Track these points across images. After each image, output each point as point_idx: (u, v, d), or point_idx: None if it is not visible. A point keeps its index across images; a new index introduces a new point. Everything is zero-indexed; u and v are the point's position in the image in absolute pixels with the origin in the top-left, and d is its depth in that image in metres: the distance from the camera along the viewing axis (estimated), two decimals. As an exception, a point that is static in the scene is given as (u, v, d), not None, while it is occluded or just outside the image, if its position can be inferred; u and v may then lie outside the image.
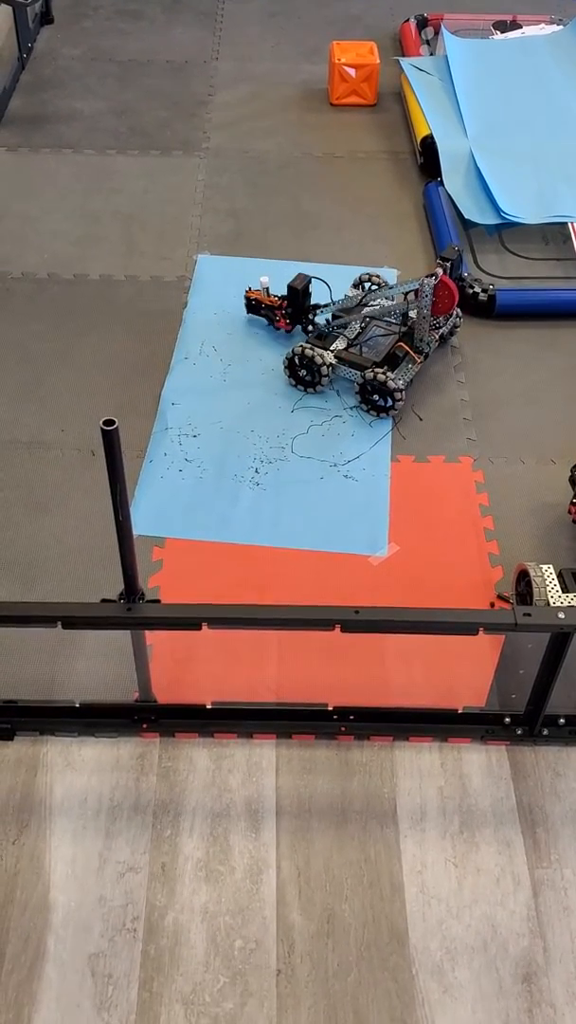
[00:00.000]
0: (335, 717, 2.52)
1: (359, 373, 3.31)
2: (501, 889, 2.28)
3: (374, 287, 3.64)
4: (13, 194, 4.30)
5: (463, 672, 2.66)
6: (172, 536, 2.96)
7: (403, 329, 3.46)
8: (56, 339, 3.62)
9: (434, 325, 3.39)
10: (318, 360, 3.33)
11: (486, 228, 4.08)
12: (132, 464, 2.98)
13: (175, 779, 2.45)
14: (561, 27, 5.12)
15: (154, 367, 3.52)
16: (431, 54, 5.09)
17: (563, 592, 2.59)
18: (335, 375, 3.41)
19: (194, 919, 2.22)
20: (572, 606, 2.54)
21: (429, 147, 4.35)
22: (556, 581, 2.61)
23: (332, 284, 3.52)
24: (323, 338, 3.45)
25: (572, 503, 2.98)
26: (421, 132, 4.43)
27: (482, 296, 3.67)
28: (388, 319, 3.51)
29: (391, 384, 3.24)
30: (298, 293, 3.45)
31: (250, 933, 2.20)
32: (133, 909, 2.23)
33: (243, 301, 3.64)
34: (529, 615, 2.19)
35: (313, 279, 3.47)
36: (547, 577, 2.62)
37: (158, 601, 2.48)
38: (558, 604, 2.56)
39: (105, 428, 1.93)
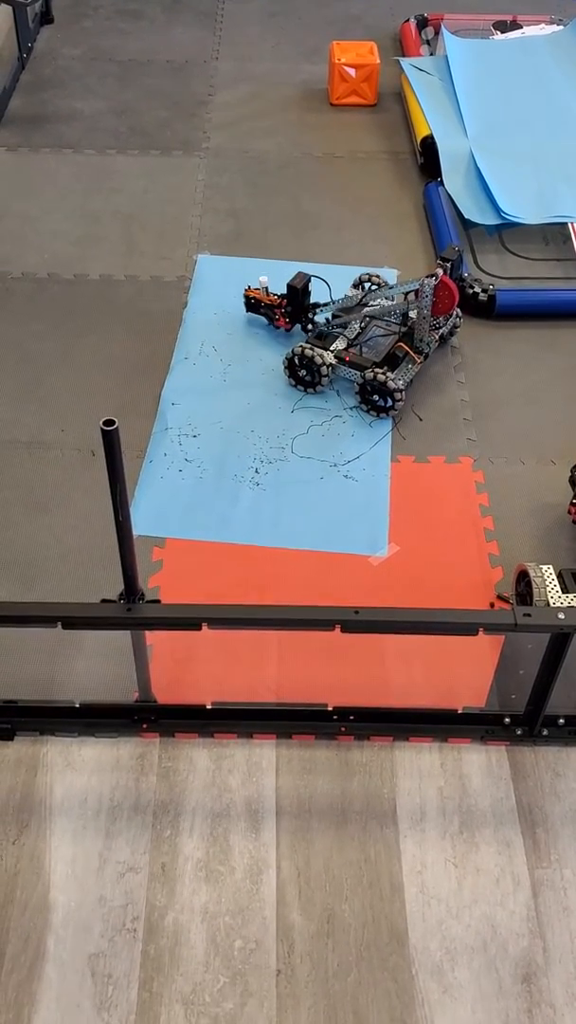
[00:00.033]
0: (335, 717, 2.52)
1: (359, 373, 3.31)
2: (501, 889, 2.29)
3: (374, 287, 3.64)
4: (13, 194, 4.30)
5: (463, 672, 2.66)
6: (172, 536, 2.96)
7: (403, 329, 3.46)
8: (56, 339, 3.62)
9: (434, 325, 3.39)
10: (318, 360, 3.33)
11: (486, 228, 4.08)
12: (132, 464, 2.98)
13: (175, 779, 2.45)
14: (561, 27, 5.12)
15: (154, 367, 3.52)
16: (431, 54, 5.09)
17: (563, 592, 2.59)
18: (335, 375, 3.41)
19: (194, 919, 2.22)
20: (572, 606, 2.54)
21: (429, 147, 4.35)
22: (556, 581, 2.61)
23: (332, 284, 3.52)
24: (323, 338, 3.45)
25: (572, 503, 2.98)
26: (421, 132, 4.43)
27: (482, 296, 3.67)
28: (388, 319, 3.51)
29: (391, 384, 3.24)
30: (297, 292, 3.45)
31: (250, 933, 2.20)
32: (133, 909, 2.23)
33: (242, 300, 3.64)
34: (529, 615, 2.19)
35: (312, 278, 3.47)
36: (547, 577, 2.62)
37: (158, 601, 2.48)
38: (558, 604, 2.56)
39: (105, 428, 1.93)
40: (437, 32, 5.14)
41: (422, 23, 5.29)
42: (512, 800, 2.43)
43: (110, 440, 1.95)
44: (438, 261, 3.37)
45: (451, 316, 3.45)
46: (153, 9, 5.64)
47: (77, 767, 2.46)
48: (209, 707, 2.51)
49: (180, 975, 2.14)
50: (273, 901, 2.25)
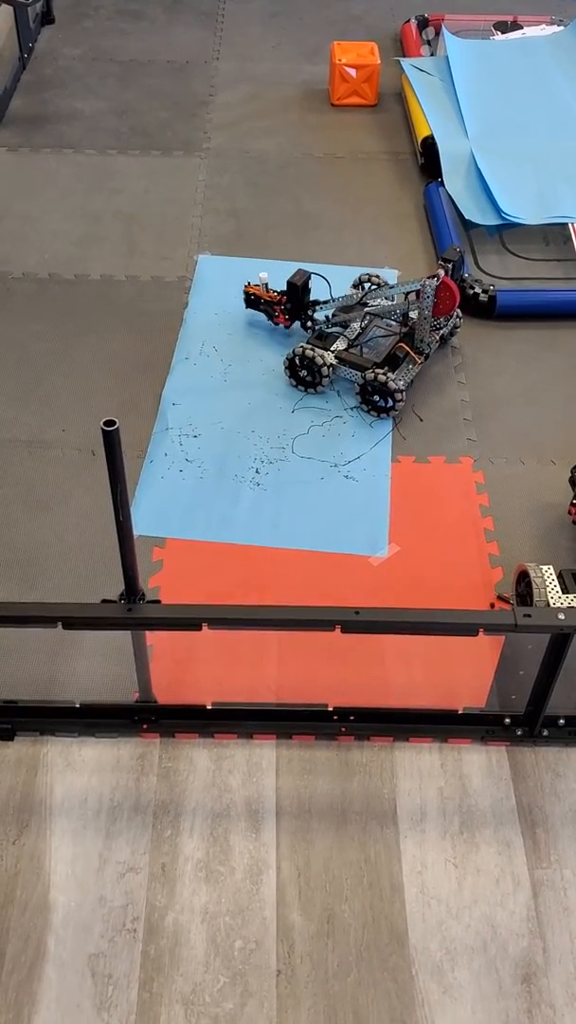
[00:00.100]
0: (335, 718, 2.52)
1: (360, 374, 3.31)
2: (501, 890, 2.29)
3: (374, 287, 3.64)
4: (14, 194, 4.30)
5: (463, 673, 2.66)
6: (172, 536, 2.96)
7: (404, 330, 3.46)
8: (57, 339, 3.62)
9: (435, 326, 3.39)
10: (319, 360, 3.33)
11: (487, 229, 4.08)
12: (132, 464, 2.98)
13: (175, 779, 2.45)
14: (562, 28, 5.12)
15: (155, 367, 3.52)
16: (432, 55, 5.09)
17: (563, 593, 2.59)
18: (336, 375, 3.41)
19: (194, 919, 2.22)
20: (572, 607, 2.54)
21: (430, 148, 4.35)
22: (556, 582, 2.61)
23: (332, 284, 3.52)
24: (323, 338, 3.45)
25: (572, 504, 2.98)
26: (422, 132, 4.43)
27: (483, 297, 3.67)
28: (389, 320, 3.51)
29: (391, 385, 3.24)
30: (297, 289, 3.45)
31: (250, 933, 2.20)
32: (133, 909, 2.23)
33: (243, 300, 3.64)
34: (529, 616, 2.19)
35: (313, 275, 3.46)
36: (547, 578, 2.62)
37: (158, 601, 2.48)
38: (558, 605, 2.56)
39: (106, 428, 1.93)
40: (438, 32, 5.14)
41: (423, 23, 5.29)
42: (512, 800, 2.43)
43: (111, 440, 1.95)
44: (439, 262, 3.37)
45: (452, 316, 3.45)
46: (154, 9, 5.64)
47: (77, 767, 2.46)
48: (209, 707, 2.51)
49: (180, 975, 2.14)
50: (273, 901, 2.25)
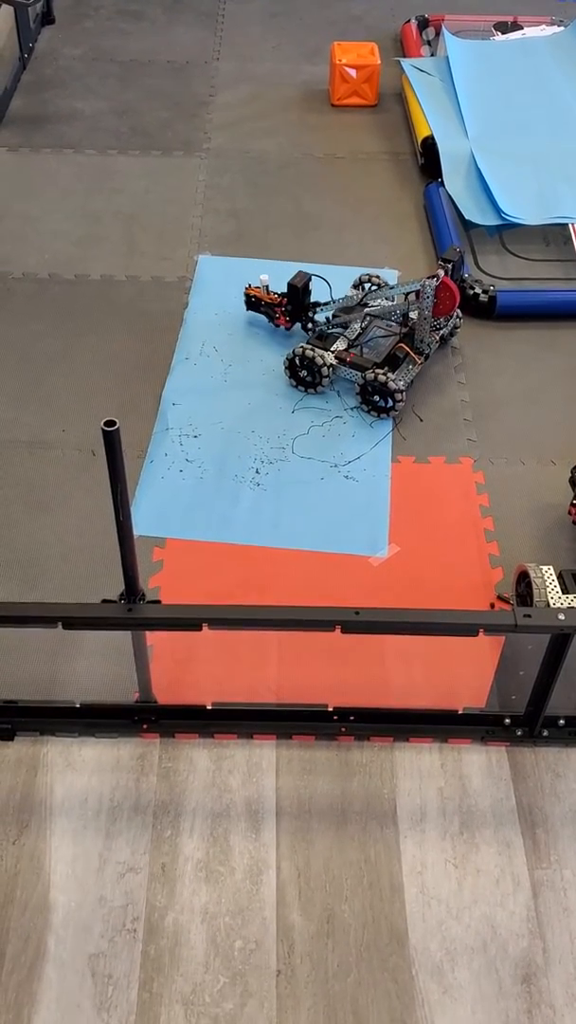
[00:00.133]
0: (335, 718, 2.52)
1: (360, 374, 3.31)
2: (501, 890, 2.29)
3: (374, 288, 3.64)
4: (14, 194, 4.30)
5: (463, 673, 2.66)
6: (172, 536, 2.96)
7: (404, 330, 3.47)
8: (57, 339, 3.62)
9: (435, 326, 3.39)
10: (319, 361, 3.33)
11: (487, 229, 4.08)
12: (133, 464, 2.98)
13: (175, 780, 2.45)
14: (562, 28, 5.12)
15: (155, 367, 3.52)
16: (432, 55, 5.09)
17: (563, 593, 2.59)
18: (336, 376, 3.41)
19: (194, 920, 2.22)
20: (572, 607, 2.54)
21: (430, 148, 4.35)
22: (556, 582, 2.61)
23: (333, 285, 3.52)
24: (324, 339, 3.45)
25: (572, 504, 2.98)
26: (422, 133, 4.44)
27: (483, 297, 3.67)
28: (389, 320, 3.51)
29: (392, 385, 3.24)
30: (298, 291, 3.45)
31: (250, 934, 2.20)
32: (133, 909, 2.23)
33: (243, 300, 3.64)
34: (529, 616, 2.19)
35: (313, 277, 3.47)
36: (547, 578, 2.62)
37: (158, 602, 2.48)
38: (558, 605, 2.56)
39: (106, 429, 1.93)
40: (438, 33, 5.14)
41: (423, 24, 5.30)
42: (512, 801, 2.43)
43: (111, 440, 1.95)
44: (439, 262, 3.37)
45: (452, 317, 3.45)
46: (154, 9, 5.64)
47: (77, 767, 2.46)
48: (209, 707, 2.51)
49: (180, 975, 2.14)
50: (273, 901, 2.25)
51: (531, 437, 3.31)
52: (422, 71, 4.80)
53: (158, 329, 3.67)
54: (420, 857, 2.33)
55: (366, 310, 3.50)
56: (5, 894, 2.25)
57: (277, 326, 3.62)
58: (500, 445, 3.28)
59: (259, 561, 2.91)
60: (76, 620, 2.20)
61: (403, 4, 5.62)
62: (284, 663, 2.66)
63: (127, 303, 3.79)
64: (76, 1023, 2.08)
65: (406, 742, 2.53)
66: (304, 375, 3.39)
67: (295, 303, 3.50)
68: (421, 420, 3.37)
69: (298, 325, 3.58)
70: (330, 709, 2.51)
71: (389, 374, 3.25)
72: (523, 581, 2.70)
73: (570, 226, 4.01)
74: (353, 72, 4.80)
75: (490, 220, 4.05)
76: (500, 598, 2.80)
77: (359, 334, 3.48)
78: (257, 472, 3.16)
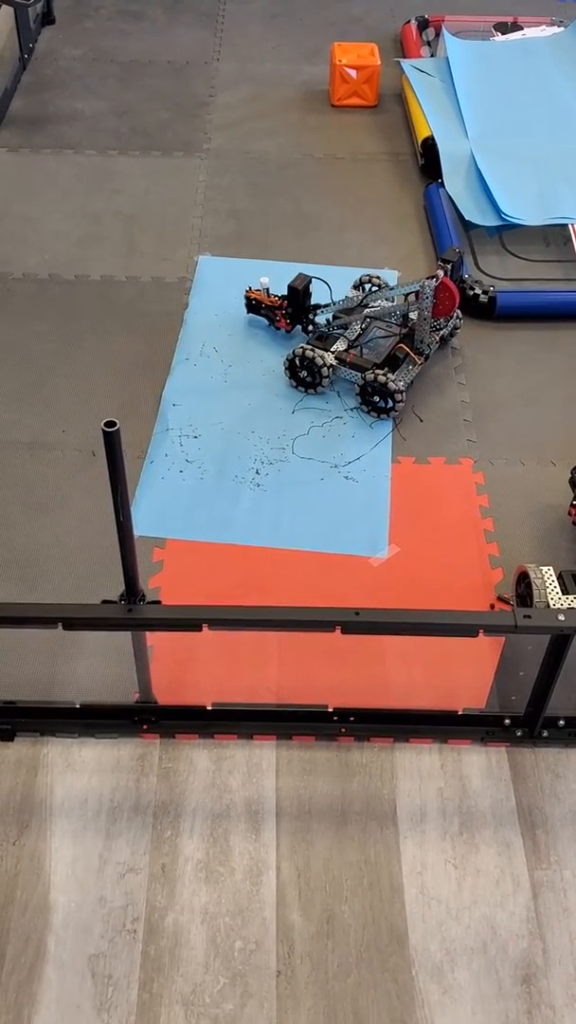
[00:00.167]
0: (335, 718, 2.52)
1: (360, 374, 3.31)
2: (501, 890, 2.29)
3: (374, 288, 3.64)
4: (14, 195, 4.31)
5: (463, 674, 2.66)
6: (173, 537, 2.96)
7: (404, 331, 3.47)
8: (57, 340, 3.62)
9: (435, 327, 3.39)
10: (319, 361, 3.33)
11: (487, 230, 4.08)
12: (133, 465, 2.99)
13: (175, 780, 2.45)
14: (562, 29, 5.12)
15: (155, 368, 3.52)
16: (432, 55, 5.10)
17: (563, 594, 2.60)
18: (336, 376, 3.42)
19: (194, 920, 2.22)
20: (572, 608, 2.54)
21: (430, 148, 4.35)
22: (556, 583, 2.61)
23: (333, 285, 3.52)
24: (324, 339, 3.45)
25: (572, 505, 2.98)
26: (422, 133, 4.44)
27: (483, 298, 3.67)
28: (389, 320, 3.51)
29: (392, 385, 3.24)
30: (298, 293, 3.45)
31: (250, 934, 2.20)
32: (133, 910, 2.23)
33: (243, 301, 3.64)
34: (529, 617, 2.19)
35: (313, 279, 3.47)
36: (547, 579, 2.62)
37: (158, 602, 2.48)
38: (558, 606, 2.56)
39: (106, 429, 1.93)
40: (438, 33, 5.14)
41: (423, 24, 5.30)
42: (512, 801, 2.44)
43: (111, 441, 1.95)
44: (439, 263, 3.37)
45: (452, 317, 3.45)
46: (154, 10, 5.64)
47: (77, 768, 2.46)
48: (209, 708, 2.51)
49: (180, 976, 2.14)
50: (273, 902, 2.25)
51: (531, 438, 3.31)
52: (422, 72, 4.80)
53: (158, 330, 3.67)
54: (420, 858, 2.33)
55: (366, 311, 3.50)
56: (5, 895, 2.25)
57: (277, 329, 3.62)
58: (500, 446, 3.28)
59: (259, 561, 2.91)
60: (76, 621, 2.21)
61: (403, 5, 5.62)
62: (284, 664, 2.66)
63: (127, 304, 3.79)
64: (76, 1023, 2.08)
65: (406, 743, 2.53)
66: (304, 376, 3.40)
67: (295, 306, 3.50)
68: (421, 421, 3.37)
69: (298, 327, 3.58)
70: (330, 710, 2.52)
71: (389, 375, 3.25)
72: (523, 582, 2.70)
73: (570, 227, 4.01)
74: (353, 73, 4.80)
75: (490, 221, 4.05)
76: (500, 599, 2.80)
77: (359, 335, 3.49)
78: (257, 473, 3.16)
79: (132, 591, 2.25)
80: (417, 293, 3.30)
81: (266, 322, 3.64)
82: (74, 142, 4.62)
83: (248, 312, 3.65)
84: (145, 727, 2.52)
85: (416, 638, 2.33)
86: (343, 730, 2.53)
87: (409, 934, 2.21)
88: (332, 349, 3.40)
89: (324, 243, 4.09)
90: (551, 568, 2.66)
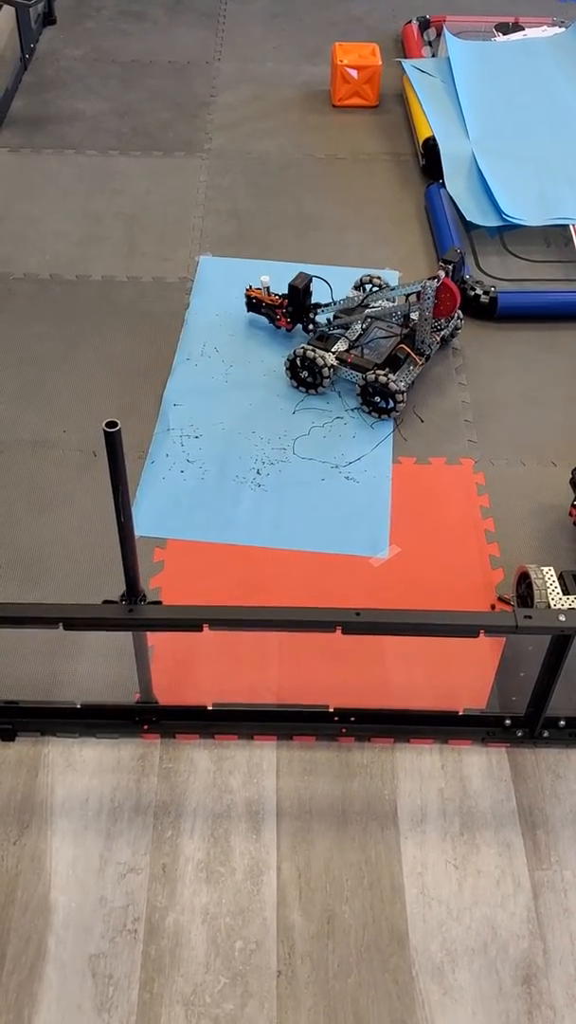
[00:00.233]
0: (336, 719, 2.52)
1: (361, 375, 3.31)
2: (501, 891, 2.29)
3: (375, 289, 3.64)
4: (15, 195, 4.31)
5: (464, 674, 2.66)
6: (173, 537, 2.96)
7: (404, 331, 3.47)
8: (58, 340, 3.62)
9: (435, 327, 3.39)
10: (320, 362, 3.33)
11: (488, 230, 4.08)
12: (134, 465, 2.98)
13: (176, 780, 2.45)
14: (563, 29, 5.12)
15: (156, 368, 3.52)
16: (433, 56, 5.10)
17: (564, 594, 2.60)
18: (336, 376, 3.42)
19: (195, 920, 2.22)
20: (573, 608, 2.54)
21: (431, 149, 4.35)
22: (557, 583, 2.61)
23: (333, 286, 3.52)
24: (325, 340, 3.46)
25: (573, 505, 2.98)
26: (423, 134, 4.44)
27: (483, 298, 3.67)
28: (389, 321, 3.51)
29: (392, 386, 3.24)
30: (299, 292, 3.45)
31: (250, 934, 2.21)
32: (134, 910, 2.23)
33: (244, 301, 3.64)
34: (530, 617, 2.19)
35: (314, 278, 3.47)
36: (548, 579, 2.62)
37: (159, 602, 2.48)
38: (559, 606, 2.56)
39: (108, 430, 1.93)
40: (439, 34, 5.14)
41: (424, 24, 5.30)
42: (513, 802, 2.44)
43: (112, 441, 1.95)
44: (440, 263, 3.38)
45: (452, 318, 3.45)
46: (155, 10, 5.64)
47: (78, 768, 2.46)
48: (210, 708, 2.51)
49: (181, 976, 2.14)
50: (274, 902, 2.25)
51: (532, 438, 3.31)
52: (423, 72, 4.80)
53: (159, 330, 3.67)
54: (420, 858, 2.33)
55: (367, 311, 3.50)
56: (6, 895, 2.25)
57: (278, 327, 3.62)
58: (501, 446, 3.28)
59: (260, 562, 2.91)
60: (77, 621, 2.21)
61: (404, 5, 5.62)
62: (285, 664, 2.66)
63: (128, 304, 3.79)
64: (76, 1023, 2.08)
65: (407, 743, 2.53)
66: (305, 376, 3.40)
67: (296, 304, 3.50)
68: (422, 421, 3.37)
69: (299, 326, 3.59)
70: (331, 710, 2.52)
71: (390, 375, 3.25)
72: (524, 582, 2.70)
73: (571, 227, 4.01)
74: (354, 73, 4.80)
75: (491, 221, 4.05)
76: (501, 599, 2.80)
77: (360, 335, 3.49)
78: (258, 473, 3.16)
79: (133, 591, 2.25)
80: (418, 293, 3.30)
81: (267, 322, 3.64)
82: (75, 142, 4.62)
83: (248, 311, 3.65)
84: (146, 727, 2.52)
85: (417, 638, 2.33)
86: (344, 730, 2.53)
87: (409, 934, 2.21)
88: (333, 349, 3.40)
89: (325, 243, 4.09)
90: (552, 568, 2.66)
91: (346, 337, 3.47)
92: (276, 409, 3.38)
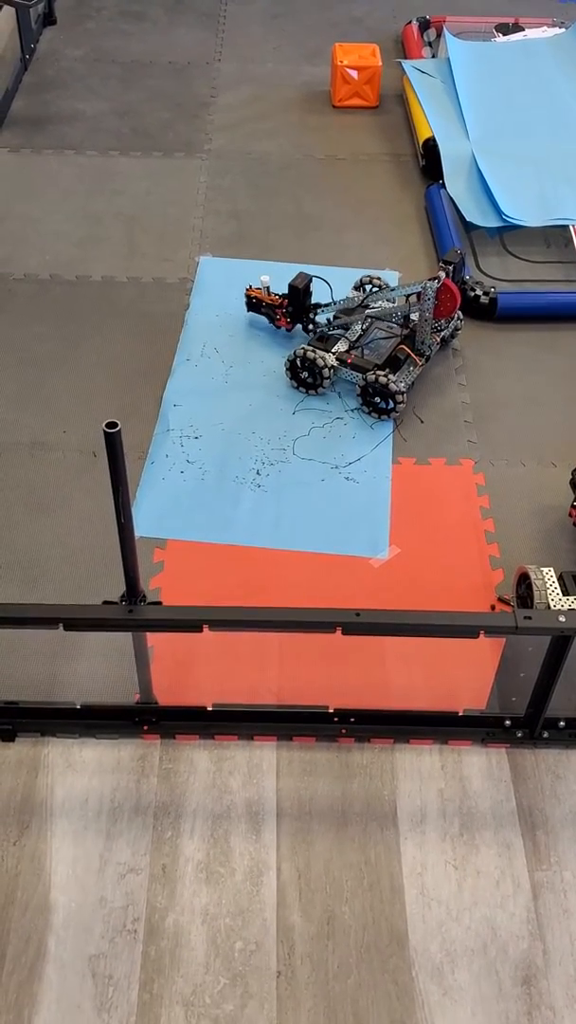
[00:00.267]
0: (336, 719, 2.52)
1: (361, 375, 3.31)
2: (501, 891, 2.29)
3: (375, 289, 3.64)
4: (15, 195, 4.31)
5: (463, 675, 2.66)
6: (173, 538, 2.96)
7: (405, 332, 3.47)
8: (58, 341, 3.62)
9: (436, 328, 3.39)
10: (320, 362, 3.33)
11: (488, 231, 4.08)
12: (134, 466, 2.97)
13: (176, 781, 2.45)
14: (563, 30, 5.12)
15: (156, 369, 3.52)
16: (433, 56, 5.10)
17: (563, 595, 2.60)
18: (336, 377, 3.42)
19: (194, 920, 2.22)
20: (573, 609, 2.54)
21: (431, 149, 4.35)
22: (556, 584, 2.61)
23: (334, 286, 3.52)
24: (325, 340, 3.46)
25: (573, 506, 2.98)
26: (423, 134, 4.44)
27: (483, 299, 3.68)
28: (389, 321, 3.51)
29: (392, 386, 3.25)
30: (299, 292, 3.45)
31: (250, 935, 2.21)
32: (134, 910, 2.24)
33: (244, 302, 3.64)
34: (530, 618, 2.19)
35: (314, 278, 3.47)
36: (547, 580, 2.62)
37: (159, 603, 2.48)
38: (558, 607, 2.57)
39: (108, 430, 1.93)
40: (439, 34, 5.14)
41: (424, 25, 5.30)
42: (512, 802, 2.44)
43: (112, 442, 1.95)
44: (440, 264, 3.38)
45: (453, 318, 3.45)
46: (155, 10, 5.64)
47: (78, 768, 2.46)
48: (210, 709, 2.51)
49: (180, 976, 2.14)
50: (273, 903, 2.25)
51: (532, 439, 3.31)
52: (423, 72, 4.80)
53: (159, 330, 3.67)
54: (420, 859, 2.33)
55: (367, 312, 3.51)
56: (6, 895, 2.25)
57: (278, 327, 3.62)
58: (501, 447, 3.29)
59: (260, 562, 2.91)
60: (77, 621, 2.21)
61: (404, 5, 5.62)
62: (285, 664, 2.66)
63: (128, 304, 3.79)
64: (76, 1023, 2.08)
65: (406, 744, 2.53)
66: (305, 376, 3.40)
67: (296, 304, 3.50)
68: (422, 422, 3.37)
69: (299, 326, 3.59)
70: (331, 711, 2.52)
71: (390, 375, 3.25)
72: (523, 583, 2.70)
73: (571, 228, 4.01)
74: (354, 73, 4.80)
75: (491, 222, 4.05)
76: (501, 600, 2.80)
77: (360, 336, 3.49)
78: (258, 473, 3.16)
79: (133, 592, 2.26)
80: (419, 294, 3.30)
81: (267, 322, 3.64)
82: (75, 143, 4.62)
83: (248, 310, 3.65)
84: (146, 728, 2.52)
85: (417, 639, 2.33)
86: (343, 731, 2.53)
87: (409, 935, 2.21)
88: (333, 350, 3.40)
89: (325, 244, 4.09)
90: (551, 569, 2.66)
91: (346, 338, 3.48)
92: (276, 410, 3.38)
